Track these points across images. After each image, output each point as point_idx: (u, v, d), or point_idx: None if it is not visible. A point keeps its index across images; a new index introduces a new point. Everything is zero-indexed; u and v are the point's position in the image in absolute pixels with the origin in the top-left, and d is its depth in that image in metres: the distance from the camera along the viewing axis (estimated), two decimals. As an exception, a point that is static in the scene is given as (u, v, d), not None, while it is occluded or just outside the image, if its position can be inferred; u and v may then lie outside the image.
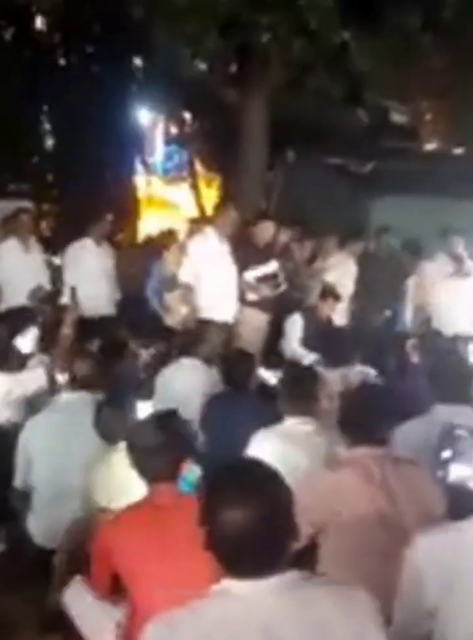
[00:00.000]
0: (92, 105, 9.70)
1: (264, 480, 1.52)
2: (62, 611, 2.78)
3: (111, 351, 4.37)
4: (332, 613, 1.48)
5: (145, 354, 4.65)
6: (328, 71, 8.17)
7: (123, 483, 2.94)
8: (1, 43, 10.25)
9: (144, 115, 10.99)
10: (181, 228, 8.67)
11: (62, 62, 10.47)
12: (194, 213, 11.52)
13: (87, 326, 4.95)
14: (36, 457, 3.36)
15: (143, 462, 2.41)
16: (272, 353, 5.45)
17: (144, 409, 3.45)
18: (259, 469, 1.56)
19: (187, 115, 10.88)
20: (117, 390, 3.59)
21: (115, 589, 2.48)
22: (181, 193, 12.22)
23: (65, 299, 5.68)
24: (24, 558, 3.34)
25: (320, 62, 8.04)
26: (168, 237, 7.14)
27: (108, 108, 9.90)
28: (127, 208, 9.85)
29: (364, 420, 2.53)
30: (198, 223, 6.23)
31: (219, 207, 5.93)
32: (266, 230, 5.68)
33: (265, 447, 3.03)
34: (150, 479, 2.40)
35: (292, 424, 3.18)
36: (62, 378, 4.10)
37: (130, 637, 2.33)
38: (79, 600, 2.51)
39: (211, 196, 11.78)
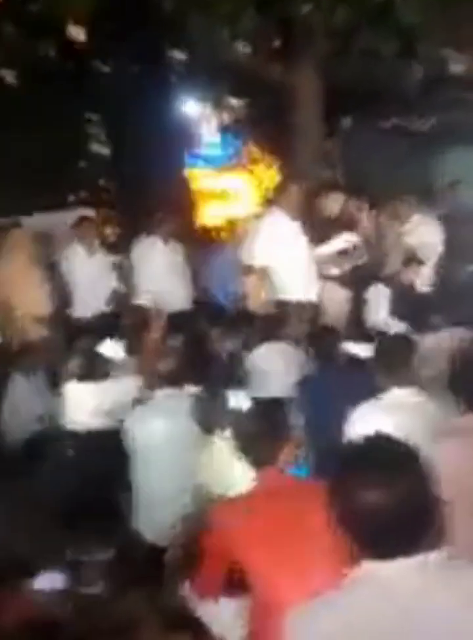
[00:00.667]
0: (137, 106, 9.69)
1: (404, 457, 1.43)
2: (184, 608, 2.75)
3: (195, 344, 4.31)
4: None
5: (229, 343, 4.56)
6: (376, 31, 7.85)
7: (226, 470, 2.89)
8: (47, 58, 10.38)
9: (192, 107, 10.91)
10: (242, 216, 8.58)
11: (103, 68, 10.50)
12: (253, 200, 11.38)
13: (168, 323, 4.90)
14: (138, 456, 3.34)
15: (249, 448, 2.38)
16: (358, 325, 5.26)
17: (239, 397, 3.36)
18: (397, 445, 1.46)
19: (235, 101, 10.74)
20: (209, 381, 3.52)
21: (231, 582, 2.41)
22: (238, 181, 12.10)
23: (141, 300, 5.71)
24: (136, 557, 3.31)
25: (365, 23, 7.73)
26: (228, 227, 7.05)
27: (152, 106, 9.84)
28: (184, 203, 9.79)
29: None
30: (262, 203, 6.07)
31: (280, 187, 5.73)
32: (336, 201, 5.50)
33: (374, 420, 2.89)
34: (256, 464, 2.36)
35: (399, 395, 3.02)
36: (151, 380, 4.08)
37: (256, 627, 2.25)
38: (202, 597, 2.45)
39: (272, 177, 11.58)
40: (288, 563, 2.14)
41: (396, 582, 1.37)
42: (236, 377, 3.84)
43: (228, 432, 3.03)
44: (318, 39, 7.94)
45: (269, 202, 7.44)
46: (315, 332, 4.25)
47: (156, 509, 3.29)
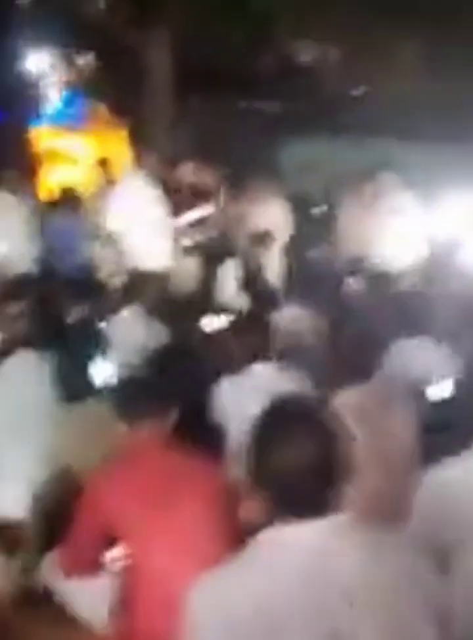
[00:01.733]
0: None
1: (317, 416, 1.43)
2: (33, 586, 2.61)
3: (43, 309, 4.06)
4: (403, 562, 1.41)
5: (79, 310, 4.36)
6: (229, 14, 7.91)
7: (84, 440, 2.78)
8: None
9: (38, 61, 10.22)
10: (81, 181, 8.26)
11: None
12: (93, 164, 10.92)
13: (12, 287, 4.59)
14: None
15: (130, 406, 2.30)
16: (208, 299, 5.29)
17: (102, 365, 3.25)
18: (309, 405, 1.48)
19: (85, 59, 10.23)
20: (65, 348, 3.34)
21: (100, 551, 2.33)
22: (82, 143, 11.58)
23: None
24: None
25: (219, 5, 7.78)
26: (73, 190, 6.75)
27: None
28: (25, 161, 9.21)
29: (356, 354, 2.48)
30: (109, 168, 5.87)
31: (136, 153, 5.57)
32: (187, 171, 5.47)
33: (236, 395, 2.95)
34: (137, 421, 2.28)
35: (259, 371, 3.08)
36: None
37: (130, 603, 2.18)
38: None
39: (117, 142, 11.21)
40: (169, 530, 2.09)
41: (302, 544, 1.37)
42: (94, 344, 3.68)
43: (90, 401, 2.94)
44: (171, 12, 7.86)
45: (118, 167, 7.23)
46: (168, 303, 4.19)
47: (6, 482, 3.07)
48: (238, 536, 2.20)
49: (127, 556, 2.17)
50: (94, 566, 2.28)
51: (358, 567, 1.37)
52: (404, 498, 2.15)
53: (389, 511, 1.99)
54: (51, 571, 2.40)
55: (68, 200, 6.40)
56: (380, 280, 4.33)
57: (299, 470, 1.37)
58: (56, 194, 6.99)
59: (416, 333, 3.21)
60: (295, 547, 1.38)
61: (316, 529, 1.39)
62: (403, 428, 2.34)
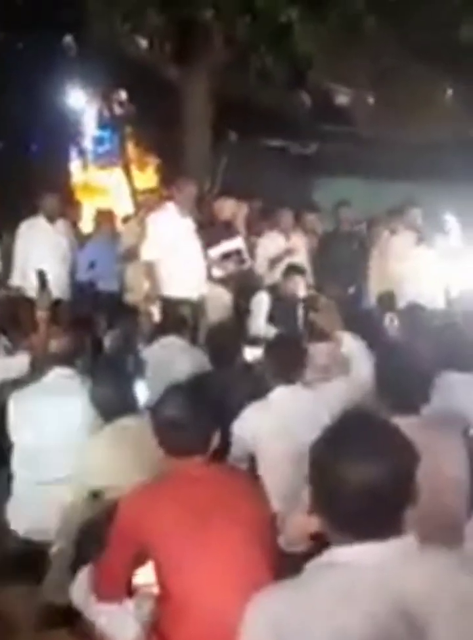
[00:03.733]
0: (21, 87, 9.20)
1: (392, 433, 1.39)
2: (62, 606, 2.55)
3: (82, 330, 4.08)
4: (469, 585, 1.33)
5: (114, 332, 4.38)
6: (272, 52, 8.10)
7: (118, 462, 2.73)
8: None
9: (79, 97, 10.47)
10: (119, 210, 8.39)
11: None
12: (126, 199, 11.16)
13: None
14: (18, 436, 3.08)
15: (173, 436, 2.21)
16: (241, 330, 5.27)
17: (140, 386, 3.24)
18: (383, 422, 1.43)
19: (123, 96, 10.47)
20: (108, 367, 3.34)
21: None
22: (112, 179, 11.82)
23: (16, 279, 5.41)
24: (8, 551, 3.03)
25: (263, 42, 7.96)
26: (107, 218, 6.83)
27: (38, 90, 9.40)
28: (63, 193, 9.39)
29: (405, 386, 2.43)
30: (154, 197, 5.95)
31: (176, 183, 5.57)
32: (227, 207, 5.53)
33: (262, 417, 2.93)
34: (179, 453, 2.20)
35: (283, 392, 3.06)
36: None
37: (163, 627, 2.11)
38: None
39: (144, 180, 11.45)
40: (208, 557, 2.01)
41: (379, 568, 1.31)
42: (130, 367, 3.68)
43: (126, 420, 2.90)
44: (216, 47, 8.05)
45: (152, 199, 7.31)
46: (214, 333, 4.15)
47: (30, 499, 3.03)
48: (278, 562, 2.14)
49: (162, 582, 2.10)
50: (127, 590, 2.22)
51: (425, 591, 1.32)
52: (453, 530, 2.09)
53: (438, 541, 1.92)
54: (81, 592, 2.32)
55: (104, 224, 6.47)
56: (416, 315, 4.29)
57: (367, 491, 1.31)
58: (93, 220, 7.09)
59: (459, 369, 3.16)
60: (361, 570, 1.32)
61: (381, 552, 1.34)
62: (453, 461, 2.28)
